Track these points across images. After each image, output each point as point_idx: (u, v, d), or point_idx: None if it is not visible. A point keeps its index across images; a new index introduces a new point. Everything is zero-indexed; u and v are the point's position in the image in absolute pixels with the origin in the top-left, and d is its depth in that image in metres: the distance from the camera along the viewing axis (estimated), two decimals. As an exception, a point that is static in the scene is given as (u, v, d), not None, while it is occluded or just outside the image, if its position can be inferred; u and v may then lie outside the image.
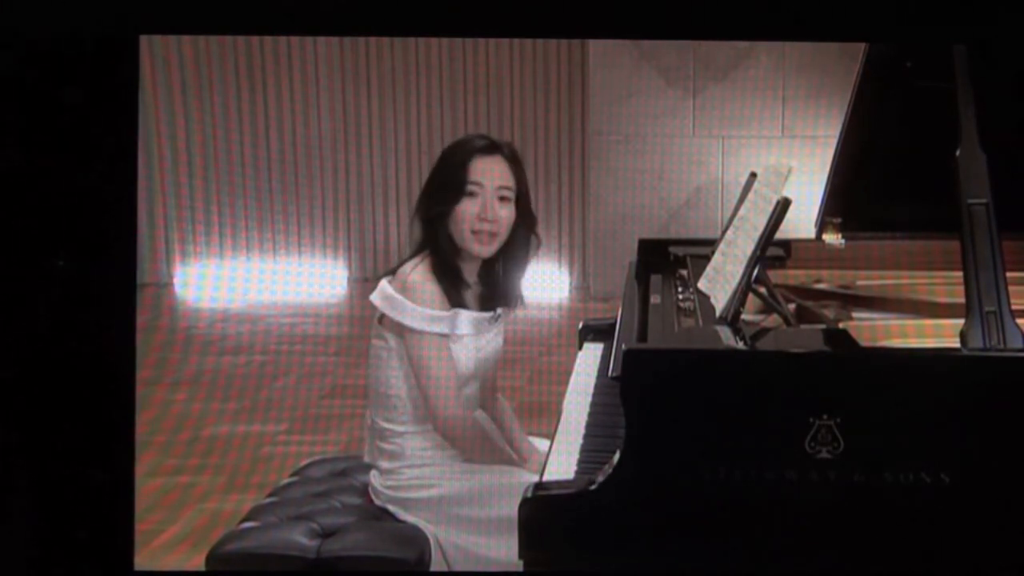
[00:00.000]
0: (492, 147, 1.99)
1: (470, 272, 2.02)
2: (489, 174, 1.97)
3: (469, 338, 1.99)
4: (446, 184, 1.97)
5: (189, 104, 6.00)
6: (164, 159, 5.97)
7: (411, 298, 1.94)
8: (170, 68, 5.92)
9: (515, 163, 2.01)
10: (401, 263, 2.01)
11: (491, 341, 2.04)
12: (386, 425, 2.00)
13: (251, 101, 6.08)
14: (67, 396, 1.86)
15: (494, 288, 2.04)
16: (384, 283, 1.98)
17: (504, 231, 1.99)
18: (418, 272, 1.96)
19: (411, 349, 1.95)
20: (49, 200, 1.86)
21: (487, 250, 1.99)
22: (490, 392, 2.12)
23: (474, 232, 1.97)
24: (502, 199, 1.98)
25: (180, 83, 5.97)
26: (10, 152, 1.85)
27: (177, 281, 6.04)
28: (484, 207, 1.96)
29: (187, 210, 6.03)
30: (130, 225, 1.90)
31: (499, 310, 2.04)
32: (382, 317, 1.99)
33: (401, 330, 1.96)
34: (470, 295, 2.02)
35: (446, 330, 1.95)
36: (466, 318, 1.97)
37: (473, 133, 2.06)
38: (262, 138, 6.10)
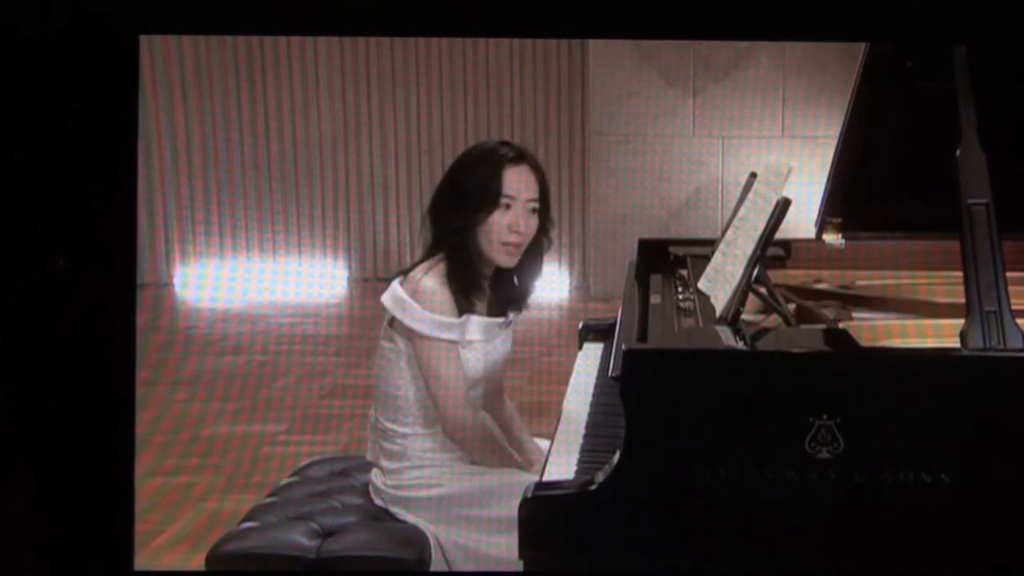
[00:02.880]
0: (520, 156, 1.96)
1: (485, 279, 2.01)
2: (521, 186, 1.95)
3: (479, 343, 1.97)
4: (478, 195, 1.93)
5: (189, 104, 5.99)
6: (164, 159, 5.97)
7: (423, 302, 1.92)
8: (170, 68, 5.92)
9: (539, 172, 1.99)
10: (413, 265, 1.99)
11: (500, 346, 2.02)
12: (391, 426, 2.00)
13: (251, 101, 6.08)
14: (67, 396, 1.86)
15: (506, 293, 2.02)
16: (396, 285, 1.96)
17: (527, 241, 1.98)
18: (431, 277, 1.94)
19: (421, 352, 1.94)
20: (49, 200, 1.86)
21: (512, 261, 1.97)
22: (497, 394, 2.10)
23: (503, 243, 1.95)
24: (531, 211, 1.97)
25: (180, 83, 5.97)
26: (10, 152, 1.85)
27: (177, 281, 6.04)
28: (516, 220, 1.94)
29: (187, 210, 6.03)
30: (130, 225, 1.90)
31: (511, 315, 2.03)
32: (392, 320, 1.97)
33: (411, 334, 1.95)
34: (480, 301, 2.00)
35: (456, 336, 1.94)
36: (477, 324, 1.96)
37: (495, 140, 2.00)
38: (262, 138, 6.10)
